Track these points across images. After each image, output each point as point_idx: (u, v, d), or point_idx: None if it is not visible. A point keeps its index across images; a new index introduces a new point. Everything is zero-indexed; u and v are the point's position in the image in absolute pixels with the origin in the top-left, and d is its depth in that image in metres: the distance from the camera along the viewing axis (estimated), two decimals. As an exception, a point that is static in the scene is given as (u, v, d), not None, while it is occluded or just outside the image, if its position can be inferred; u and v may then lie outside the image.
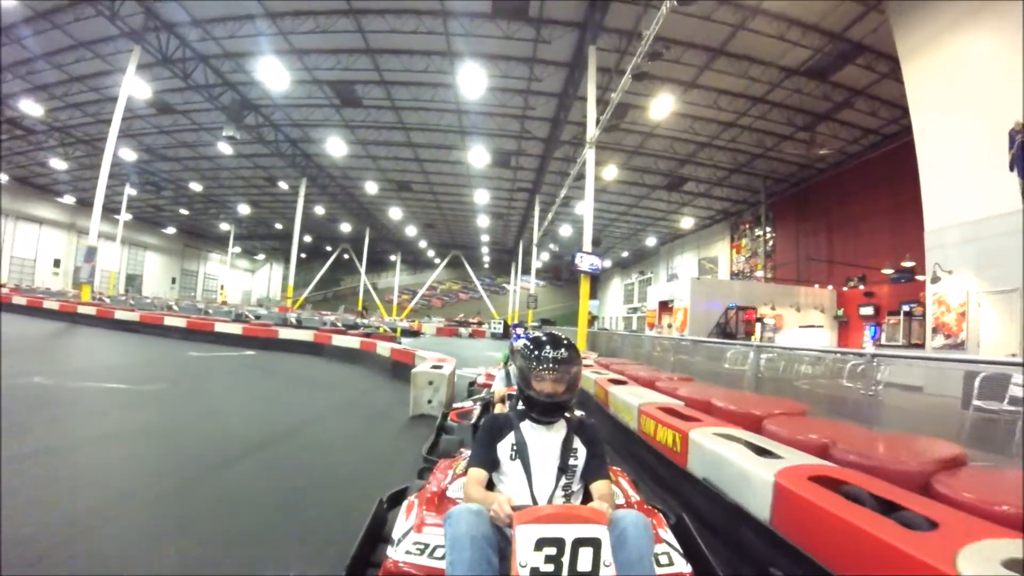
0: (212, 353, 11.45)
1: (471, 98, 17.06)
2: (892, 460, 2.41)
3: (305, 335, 12.88)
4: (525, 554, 1.38)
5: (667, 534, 1.88)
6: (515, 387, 2.16)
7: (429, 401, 6.30)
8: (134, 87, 16.98)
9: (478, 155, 21.78)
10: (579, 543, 1.40)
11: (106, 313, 14.68)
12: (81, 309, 14.92)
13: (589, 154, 13.14)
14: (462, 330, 36.71)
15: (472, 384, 7.02)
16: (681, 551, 1.79)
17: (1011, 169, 8.87)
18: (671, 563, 1.70)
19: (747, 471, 2.48)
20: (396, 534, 1.83)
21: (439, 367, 6.60)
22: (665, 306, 20.96)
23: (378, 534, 2.06)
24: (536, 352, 1.97)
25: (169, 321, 14.24)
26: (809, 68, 14.79)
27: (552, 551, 1.38)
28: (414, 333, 29.69)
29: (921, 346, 11.29)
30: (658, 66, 14.21)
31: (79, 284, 16.34)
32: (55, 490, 3.22)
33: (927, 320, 10.01)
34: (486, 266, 53.36)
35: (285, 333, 13.27)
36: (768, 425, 3.17)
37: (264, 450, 4.59)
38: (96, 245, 15.79)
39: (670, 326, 19.72)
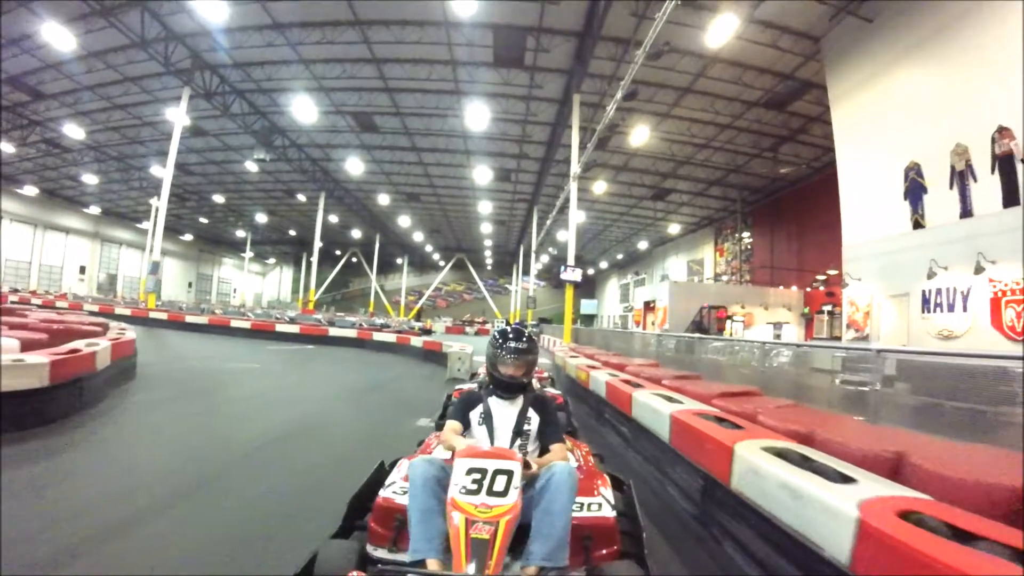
0: (283, 347, 14.84)
1: (475, 129, 19.54)
2: (658, 375, 5.15)
3: (350, 332, 15.71)
4: (459, 477, 1.88)
5: (607, 491, 2.34)
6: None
7: (459, 369, 10.03)
8: (181, 120, 19.34)
9: (481, 173, 24.29)
10: (497, 472, 1.86)
11: (177, 317, 17.20)
12: (153, 314, 17.41)
13: (572, 186, 15.56)
14: (468, 329, 39.42)
15: (475, 375, 8.76)
16: (612, 503, 2.25)
17: (904, 198, 11.34)
18: (600, 510, 2.16)
19: (602, 381, 5.27)
20: (388, 482, 2.37)
21: (464, 350, 10.38)
22: (649, 306, 23.40)
23: (376, 490, 2.44)
24: (501, 342, 2.46)
25: (235, 323, 16.86)
26: (767, 102, 17.17)
27: (478, 476, 1.85)
28: (427, 331, 32.27)
29: (839, 339, 13.72)
30: (635, 104, 16.73)
31: (146, 293, 18.71)
32: (280, 408, 6.67)
33: (843, 318, 12.47)
34: (489, 268, 55.75)
35: (333, 331, 16.04)
36: (627, 368, 6.05)
37: (378, 390, 8.88)
38: (159, 260, 18.27)
39: (653, 323, 22.16)
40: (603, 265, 53.17)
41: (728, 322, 20.02)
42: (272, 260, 64.02)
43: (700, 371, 5.80)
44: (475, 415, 2.45)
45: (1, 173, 29.47)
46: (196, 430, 5.25)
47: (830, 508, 1.70)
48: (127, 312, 18.07)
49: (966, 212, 10.05)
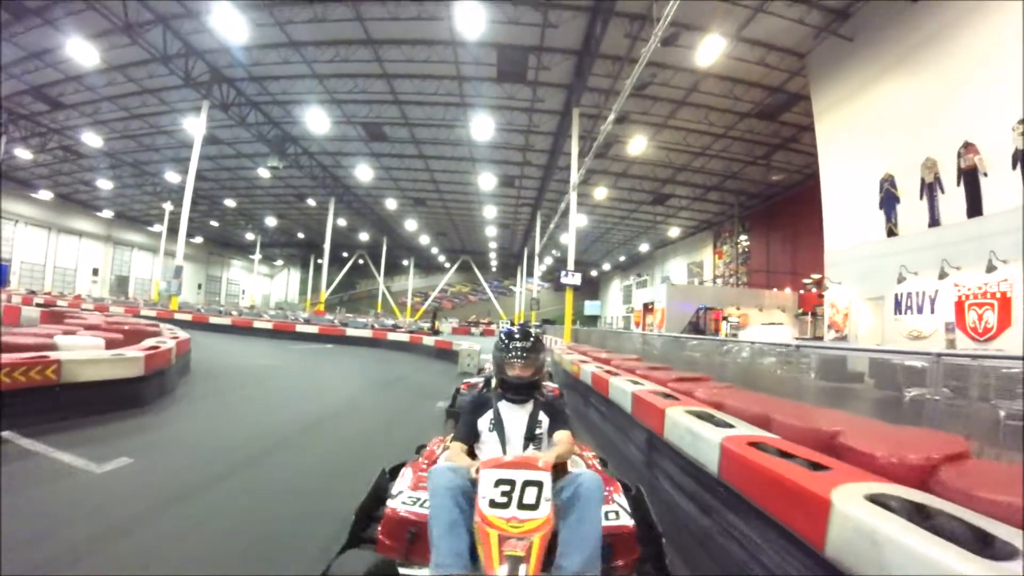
0: (305, 345, 16.17)
1: (480, 139, 20.47)
2: (634, 367, 6.03)
3: (366, 332, 16.81)
4: (486, 489, 1.82)
5: (620, 498, 2.31)
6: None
7: (468, 365, 11.20)
8: (201, 131, 20.21)
9: (486, 179, 25.25)
10: (527, 483, 1.82)
11: (201, 319, 18.18)
12: (177, 316, 18.37)
13: (572, 196, 16.46)
14: (473, 329, 40.46)
15: (481, 369, 9.70)
16: (629, 511, 2.21)
17: (880, 208, 12.17)
18: (618, 518, 2.13)
19: (589, 372, 6.18)
20: (395, 491, 2.29)
21: (472, 347, 11.68)
22: (648, 307, 24.24)
23: (381, 497, 2.39)
24: (508, 343, 2.42)
25: (257, 324, 17.92)
26: (758, 113, 17.99)
27: (507, 488, 1.81)
28: (435, 332, 33.35)
29: (821, 338, 14.53)
30: (633, 115, 17.61)
31: (170, 296, 19.66)
32: (326, 394, 7.97)
33: (825, 318, 13.30)
34: (494, 270, 56.60)
35: (350, 331, 17.15)
36: (612, 362, 6.88)
37: (399, 381, 10.22)
38: (182, 265, 19.23)
39: (652, 324, 22.99)
40: (606, 267, 53.96)
41: (724, 323, 20.81)
42: (280, 262, 65.10)
43: (677, 364, 6.74)
44: (484, 422, 2.41)
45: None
46: (264, 409, 6.60)
47: (709, 441, 2.67)
48: (152, 314, 18.93)
49: (934, 221, 10.86)
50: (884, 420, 3.02)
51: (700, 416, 3.02)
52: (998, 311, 9.52)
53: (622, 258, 48.24)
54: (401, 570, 1.97)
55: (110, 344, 5.43)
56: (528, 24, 13.44)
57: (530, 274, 39.46)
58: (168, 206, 36.12)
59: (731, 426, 2.79)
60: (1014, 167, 9.30)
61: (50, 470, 3.53)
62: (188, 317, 18.45)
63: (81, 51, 16.04)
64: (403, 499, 2.19)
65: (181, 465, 4.01)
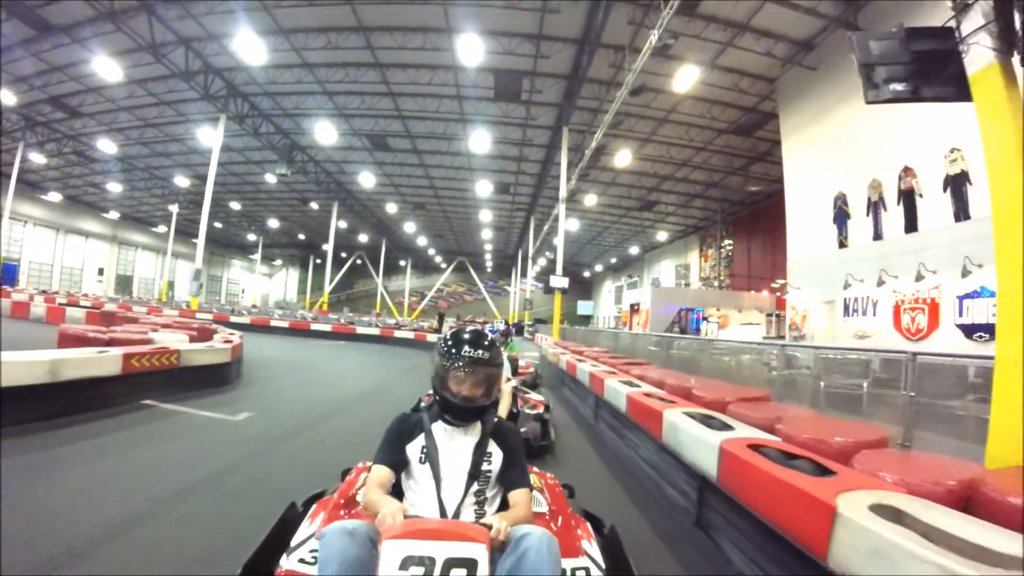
0: (322, 342, 18.00)
1: (478, 151, 21.97)
2: (598, 356, 7.45)
3: (374, 330, 18.33)
4: (388, 568, 1.27)
5: (592, 547, 1.83)
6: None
7: None
8: (218, 143, 21.43)
9: (483, 186, 26.80)
10: (451, 563, 1.28)
11: (222, 318, 19.60)
12: (199, 315, 19.62)
13: (560, 208, 17.98)
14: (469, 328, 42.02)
15: None
16: (602, 566, 1.74)
17: (833, 223, 13.70)
18: None
19: (566, 361, 7.70)
20: (296, 540, 1.75)
21: None
22: (634, 308, 25.79)
23: (286, 539, 1.83)
24: (455, 350, 1.82)
25: (274, 323, 19.45)
26: (735, 129, 19.54)
27: (419, 571, 1.26)
28: (437, 331, 34.92)
29: (783, 337, 16.09)
30: (617, 131, 19.11)
31: (191, 296, 20.98)
32: (360, 378, 9.88)
33: (786, 319, 14.83)
34: (489, 270, 58.25)
35: (360, 330, 18.72)
36: (585, 353, 8.49)
37: (416, 369, 11.66)
38: (201, 268, 20.59)
39: (638, 323, 24.52)
40: (599, 268, 55.46)
41: (704, 323, 22.33)
42: (279, 262, 66.26)
43: (638, 355, 8.33)
44: (414, 450, 1.84)
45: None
46: (323, 386, 8.33)
47: (622, 394, 4.25)
48: (175, 313, 20.18)
49: (878, 235, 12.37)
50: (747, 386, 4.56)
51: (625, 383, 4.57)
52: (928, 315, 11.03)
53: (614, 260, 49.78)
54: None
55: (191, 339, 6.87)
56: (522, 55, 14.92)
57: (524, 275, 40.86)
58: (175, 208, 37.25)
59: (639, 387, 4.34)
60: (944, 190, 10.78)
61: (204, 421, 5.22)
62: (209, 317, 19.72)
63: (105, 67, 17.21)
64: (301, 555, 1.66)
65: (287, 417, 5.71)
